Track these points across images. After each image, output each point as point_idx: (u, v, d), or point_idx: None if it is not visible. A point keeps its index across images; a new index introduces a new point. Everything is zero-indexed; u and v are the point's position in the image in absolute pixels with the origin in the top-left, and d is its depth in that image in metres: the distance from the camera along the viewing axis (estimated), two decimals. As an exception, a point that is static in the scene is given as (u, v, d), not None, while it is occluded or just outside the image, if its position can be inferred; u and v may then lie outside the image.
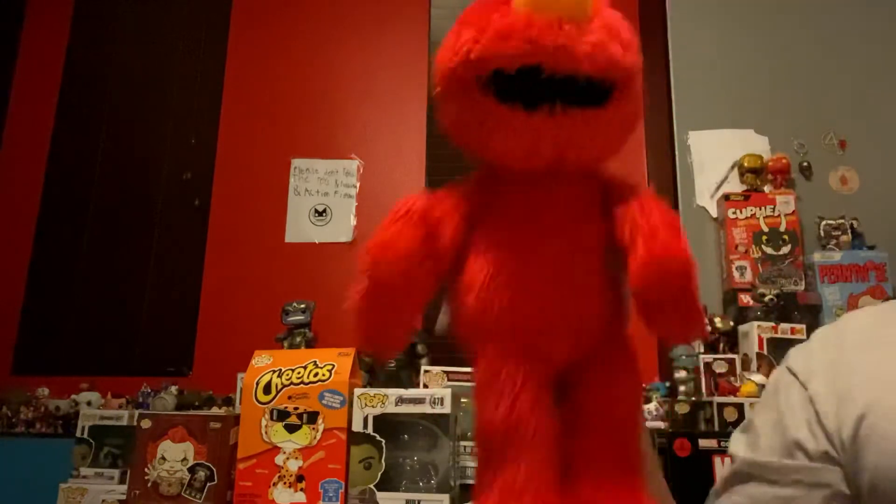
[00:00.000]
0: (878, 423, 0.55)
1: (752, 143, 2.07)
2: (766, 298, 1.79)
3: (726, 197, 1.98)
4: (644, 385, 1.63)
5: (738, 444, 0.65)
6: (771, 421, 0.62)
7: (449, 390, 1.14)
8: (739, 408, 1.45)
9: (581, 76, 0.42)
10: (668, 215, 0.44)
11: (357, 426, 1.12)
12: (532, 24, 0.41)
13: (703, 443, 1.29)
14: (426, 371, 1.34)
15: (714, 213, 2.04)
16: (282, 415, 1.11)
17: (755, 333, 1.65)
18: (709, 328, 1.74)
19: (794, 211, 1.93)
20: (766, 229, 1.93)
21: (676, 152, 2.13)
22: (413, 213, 0.45)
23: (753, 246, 1.91)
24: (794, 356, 0.66)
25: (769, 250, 1.91)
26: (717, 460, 1.29)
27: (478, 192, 0.50)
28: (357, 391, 1.14)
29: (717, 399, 1.50)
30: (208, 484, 1.10)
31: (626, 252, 0.43)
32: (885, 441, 0.54)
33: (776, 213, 1.93)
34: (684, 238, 0.43)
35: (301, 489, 1.08)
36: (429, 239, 0.45)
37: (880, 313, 0.65)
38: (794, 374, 0.63)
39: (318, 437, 1.10)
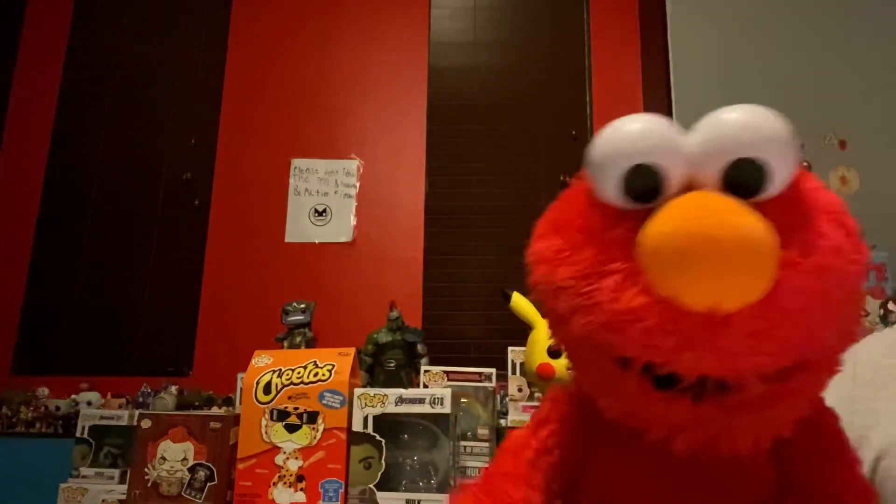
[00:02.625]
0: (894, 465, 0.53)
1: (752, 143, 2.07)
2: (766, 298, 1.78)
3: (726, 197, 1.98)
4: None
5: None
6: None
7: (449, 390, 1.14)
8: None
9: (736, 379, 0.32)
10: None
11: (357, 426, 1.12)
12: (658, 322, 0.31)
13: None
14: (426, 371, 1.34)
15: (714, 213, 2.04)
16: (282, 415, 1.11)
17: (755, 333, 1.65)
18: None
19: (794, 211, 1.93)
20: (766, 229, 1.92)
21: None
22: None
23: (753, 246, 1.91)
24: None
25: (769, 250, 1.91)
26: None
27: (592, 414, 0.39)
28: (357, 391, 1.14)
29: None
30: (208, 484, 1.10)
31: None
32: None
33: (776, 213, 1.93)
34: None
35: (301, 489, 1.08)
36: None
37: (892, 340, 0.63)
38: None
39: (318, 437, 1.10)
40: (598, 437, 0.40)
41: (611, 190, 0.35)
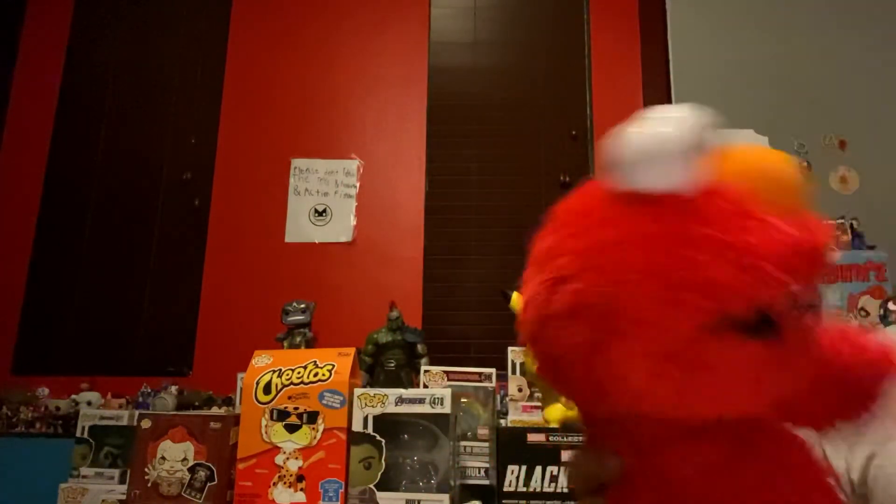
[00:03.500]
0: (885, 463, 0.54)
1: (752, 144, 2.07)
2: (766, 298, 1.79)
3: (726, 197, 1.98)
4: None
5: None
6: None
7: (449, 390, 1.14)
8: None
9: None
10: None
11: (357, 426, 1.12)
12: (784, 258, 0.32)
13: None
14: (426, 371, 1.34)
15: (714, 213, 2.04)
16: (282, 415, 1.11)
17: (755, 333, 1.65)
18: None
19: (794, 211, 1.93)
20: (766, 229, 1.93)
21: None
22: None
23: (753, 246, 1.91)
24: None
25: (769, 250, 1.91)
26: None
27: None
28: (357, 391, 1.14)
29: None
30: (208, 484, 1.10)
31: None
32: (892, 483, 0.53)
33: (776, 213, 1.93)
34: None
35: (301, 489, 1.08)
36: None
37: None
38: None
39: (318, 437, 1.10)
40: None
41: (667, 175, 0.35)
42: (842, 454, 0.57)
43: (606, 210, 0.36)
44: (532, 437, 1.19)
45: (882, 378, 0.40)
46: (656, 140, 0.36)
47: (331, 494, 1.08)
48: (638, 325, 0.33)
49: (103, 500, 1.21)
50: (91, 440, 1.27)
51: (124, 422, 1.29)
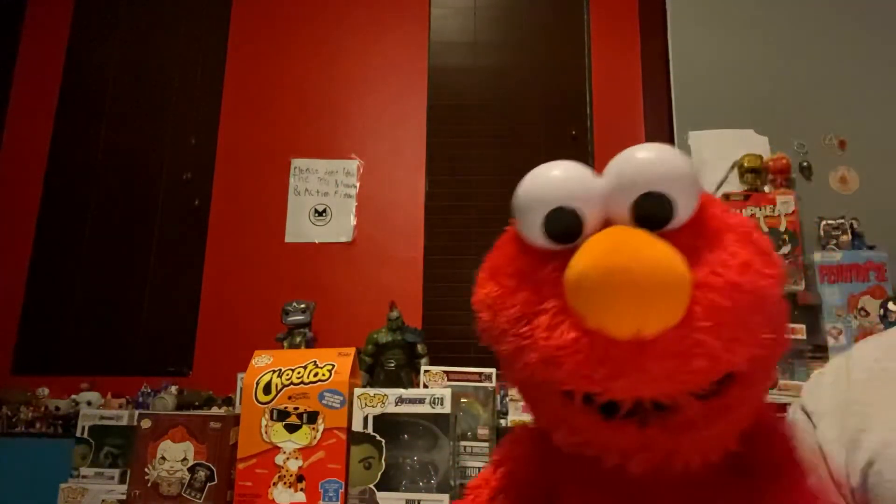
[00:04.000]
0: (885, 469, 0.53)
1: (752, 143, 2.07)
2: (766, 298, 1.78)
3: (726, 197, 1.98)
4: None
5: None
6: None
7: (449, 390, 1.14)
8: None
9: (671, 399, 0.34)
10: None
11: (357, 426, 1.12)
12: (589, 353, 0.33)
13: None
14: (426, 371, 1.34)
15: (714, 213, 2.03)
16: (282, 415, 1.11)
17: (755, 333, 1.65)
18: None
19: (794, 211, 1.93)
20: (766, 229, 1.92)
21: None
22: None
23: (753, 246, 1.91)
24: (807, 393, 0.65)
25: (769, 250, 1.91)
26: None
27: (552, 455, 0.41)
28: (357, 391, 1.14)
29: (717, 399, 1.50)
30: (208, 484, 1.10)
31: None
32: (891, 490, 0.52)
33: (776, 213, 1.93)
34: None
35: (301, 489, 1.08)
36: None
37: (890, 344, 0.64)
38: (807, 414, 0.62)
39: (318, 437, 1.10)
40: (564, 474, 0.42)
41: (534, 233, 0.38)
42: (842, 460, 0.57)
43: (506, 244, 0.41)
44: (532, 437, 1.18)
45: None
46: (526, 195, 0.39)
47: (331, 494, 1.08)
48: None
49: (103, 500, 1.21)
50: (91, 440, 1.27)
51: (124, 422, 1.29)
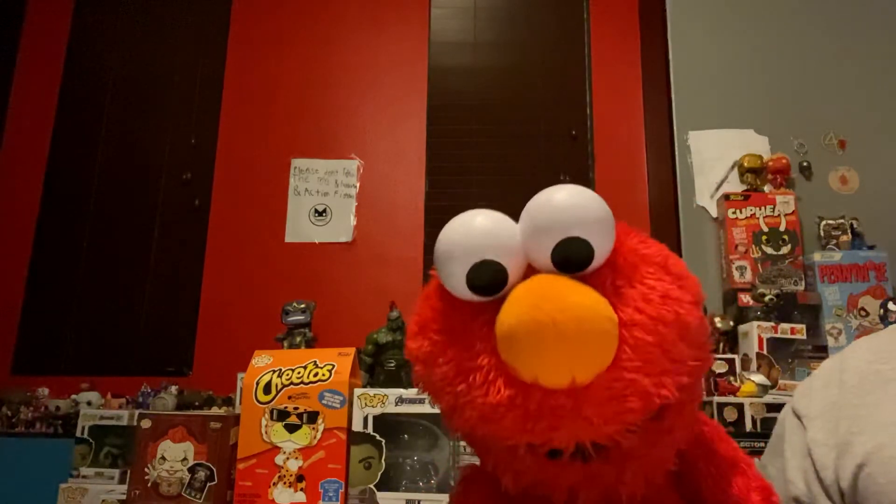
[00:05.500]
0: (876, 472, 0.53)
1: (752, 143, 2.07)
2: (766, 298, 1.78)
3: (726, 197, 1.98)
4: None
5: None
6: (779, 468, 0.62)
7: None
8: (739, 408, 1.45)
9: (608, 439, 0.35)
10: None
11: (357, 426, 1.12)
12: (525, 405, 0.34)
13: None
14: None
15: (714, 213, 2.04)
16: (282, 415, 1.11)
17: (755, 333, 1.65)
18: (709, 328, 1.73)
19: (794, 211, 1.93)
20: (766, 229, 1.92)
21: (676, 152, 2.13)
22: None
23: (753, 246, 1.91)
24: (798, 395, 0.65)
25: (769, 250, 1.91)
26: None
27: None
28: (357, 391, 1.14)
29: (717, 399, 1.49)
30: (208, 484, 1.10)
31: None
32: (882, 493, 0.53)
33: (776, 213, 1.93)
34: None
35: (301, 489, 1.08)
36: None
37: (881, 345, 0.64)
38: (799, 417, 0.62)
39: (318, 437, 1.10)
40: None
41: (458, 287, 0.38)
42: (830, 462, 0.57)
43: (433, 296, 0.41)
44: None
45: None
46: (447, 248, 0.38)
47: (331, 494, 1.08)
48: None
49: (103, 500, 1.21)
50: (91, 440, 1.27)
51: (124, 422, 1.29)
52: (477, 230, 0.38)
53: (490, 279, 0.37)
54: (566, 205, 0.37)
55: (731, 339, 1.76)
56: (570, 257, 0.36)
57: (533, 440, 0.35)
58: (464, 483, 0.46)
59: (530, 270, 0.38)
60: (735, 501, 0.42)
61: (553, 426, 0.34)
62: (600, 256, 0.37)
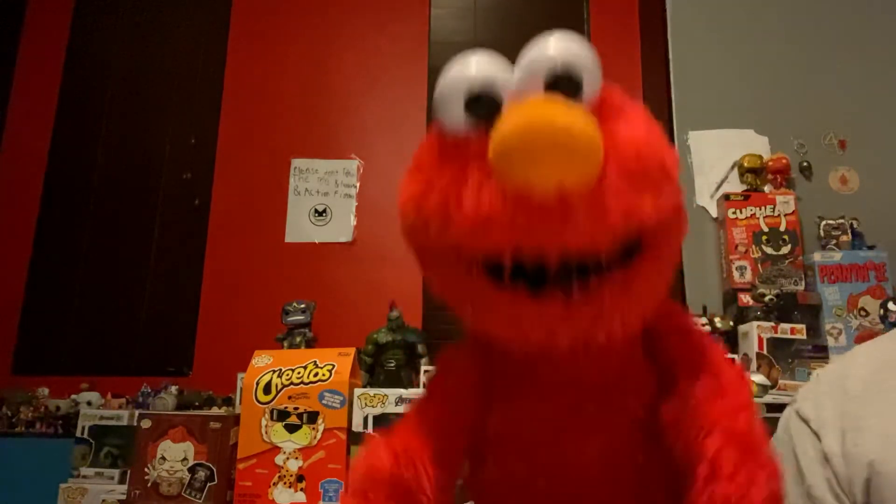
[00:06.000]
0: (882, 487, 0.53)
1: (752, 143, 2.07)
2: (766, 298, 1.79)
3: (726, 197, 1.98)
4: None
5: None
6: (791, 474, 0.61)
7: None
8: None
9: (594, 254, 0.36)
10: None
11: (357, 426, 1.12)
12: (516, 212, 0.35)
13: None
14: (426, 371, 1.34)
15: (714, 212, 2.04)
16: (282, 415, 1.11)
17: (755, 333, 1.65)
18: (708, 328, 1.74)
19: (794, 211, 1.93)
20: (766, 229, 1.93)
21: (676, 152, 2.13)
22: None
23: (753, 246, 1.91)
24: (802, 399, 0.65)
25: (769, 250, 1.91)
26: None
27: (486, 364, 0.44)
28: (357, 391, 1.14)
29: (717, 399, 1.50)
30: (208, 484, 1.10)
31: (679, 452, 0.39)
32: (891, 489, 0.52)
33: (776, 213, 1.93)
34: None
35: (301, 489, 1.08)
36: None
37: (884, 355, 0.63)
38: (806, 422, 0.62)
39: (318, 437, 1.10)
40: (496, 387, 0.45)
41: (456, 117, 0.39)
42: (845, 474, 0.56)
43: (428, 142, 0.42)
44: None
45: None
46: (445, 83, 0.41)
47: (331, 494, 1.08)
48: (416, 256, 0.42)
49: (103, 500, 1.21)
50: (91, 440, 1.28)
51: (124, 422, 1.29)
52: (474, 64, 0.40)
53: (486, 106, 0.39)
54: (559, 42, 0.40)
55: (731, 339, 1.76)
56: (561, 89, 0.38)
57: (522, 243, 0.35)
58: (445, 359, 0.47)
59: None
60: (708, 371, 0.42)
61: (541, 229, 0.35)
62: (588, 92, 0.39)
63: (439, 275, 0.42)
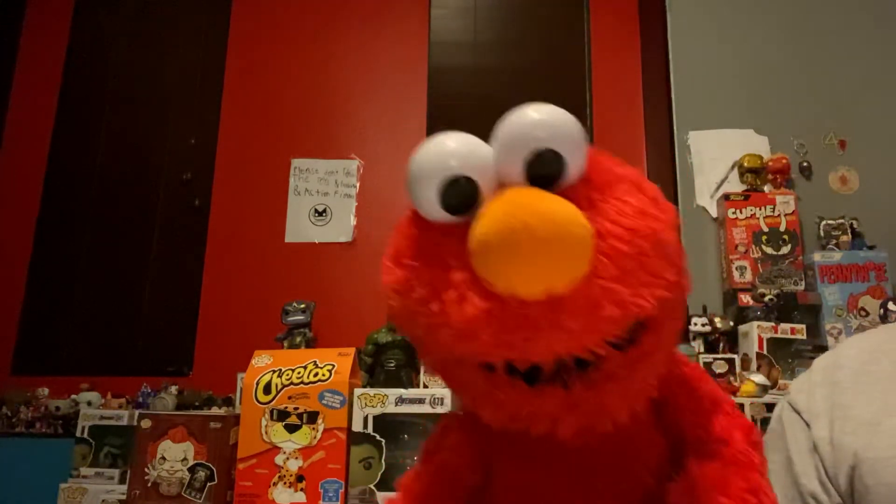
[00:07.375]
0: (865, 475, 0.54)
1: (752, 143, 2.07)
2: (766, 298, 1.79)
3: (726, 197, 1.98)
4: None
5: None
6: (781, 463, 0.62)
7: (449, 390, 1.14)
8: (739, 408, 1.45)
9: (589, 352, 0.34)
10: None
11: (357, 426, 1.12)
12: (502, 321, 0.33)
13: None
14: (426, 371, 1.34)
15: (714, 212, 2.04)
16: (282, 415, 1.11)
17: (755, 333, 1.65)
18: (709, 328, 1.74)
19: (794, 211, 1.93)
20: (766, 229, 1.93)
21: (676, 152, 2.13)
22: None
23: (753, 246, 1.91)
24: (795, 391, 0.66)
25: (769, 250, 1.91)
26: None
27: (486, 430, 0.41)
28: (357, 391, 1.14)
29: (717, 399, 1.50)
30: (208, 484, 1.10)
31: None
32: (871, 495, 0.53)
33: (776, 213, 1.93)
34: None
35: (301, 489, 1.08)
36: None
37: (874, 345, 0.64)
38: (798, 413, 0.63)
39: (318, 437, 1.10)
40: (497, 453, 0.43)
41: (431, 207, 0.37)
42: (832, 461, 0.57)
43: (405, 227, 0.41)
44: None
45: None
46: (418, 169, 0.38)
47: (331, 494, 1.08)
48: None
49: (103, 500, 1.21)
50: (91, 440, 1.28)
51: (124, 422, 1.29)
52: (449, 148, 0.37)
53: (463, 196, 0.36)
54: (538, 118, 0.37)
55: (730, 340, 1.76)
56: (543, 171, 0.36)
57: (511, 354, 0.34)
58: (439, 430, 0.46)
59: (504, 190, 0.37)
60: (717, 438, 0.41)
61: (531, 336, 0.33)
62: (573, 171, 0.37)
63: (432, 362, 0.40)
